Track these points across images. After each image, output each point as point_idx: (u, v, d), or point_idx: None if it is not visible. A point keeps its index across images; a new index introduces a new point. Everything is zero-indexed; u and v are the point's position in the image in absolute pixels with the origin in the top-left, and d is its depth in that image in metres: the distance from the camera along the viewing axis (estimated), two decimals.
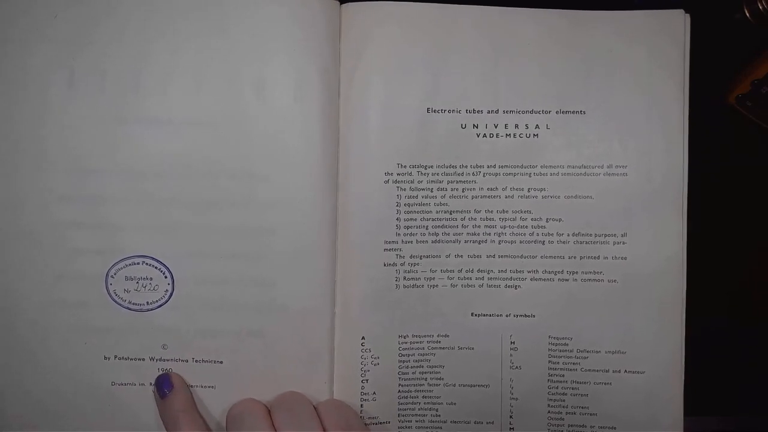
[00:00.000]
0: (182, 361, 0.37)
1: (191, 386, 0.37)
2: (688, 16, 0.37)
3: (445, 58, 0.37)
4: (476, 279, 0.38)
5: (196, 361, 0.37)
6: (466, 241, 0.38)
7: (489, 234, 0.38)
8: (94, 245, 0.36)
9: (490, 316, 0.38)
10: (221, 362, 0.37)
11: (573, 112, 0.37)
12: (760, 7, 0.39)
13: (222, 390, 0.37)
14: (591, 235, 0.37)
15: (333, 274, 0.37)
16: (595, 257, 0.38)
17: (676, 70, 0.37)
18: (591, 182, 0.37)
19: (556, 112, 0.37)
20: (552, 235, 0.38)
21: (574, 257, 0.38)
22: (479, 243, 0.38)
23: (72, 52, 0.35)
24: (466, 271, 0.38)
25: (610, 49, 0.37)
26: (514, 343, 0.38)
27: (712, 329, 0.40)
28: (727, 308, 0.41)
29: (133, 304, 0.36)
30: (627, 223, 0.37)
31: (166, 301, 0.36)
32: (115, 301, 0.36)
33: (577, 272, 0.38)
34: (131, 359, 0.36)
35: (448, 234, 0.38)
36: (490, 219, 0.38)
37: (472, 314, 0.38)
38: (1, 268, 0.35)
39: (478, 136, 0.37)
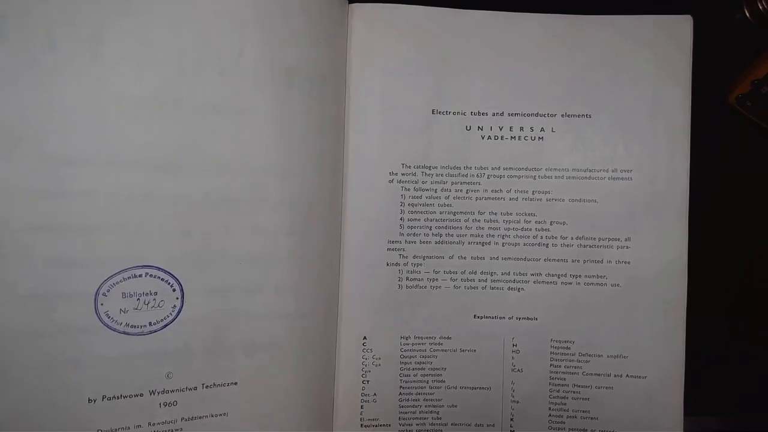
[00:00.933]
0: (190, 389, 0.31)
1: (200, 417, 0.32)
2: (690, 20, 0.37)
3: (451, 60, 0.37)
4: (479, 281, 0.38)
5: (207, 386, 0.32)
6: (469, 243, 0.38)
7: (493, 236, 0.38)
8: (78, 255, 0.29)
9: (492, 318, 0.38)
10: (236, 383, 0.32)
11: (578, 115, 0.37)
12: (760, 8, 0.38)
13: (235, 417, 0.33)
14: (595, 239, 0.38)
15: (338, 274, 0.37)
16: (598, 261, 0.38)
17: (681, 74, 0.37)
18: (595, 186, 0.37)
19: (562, 116, 0.38)
20: (556, 238, 0.38)
21: (578, 261, 0.38)
22: (483, 245, 0.38)
23: (55, 25, 0.28)
24: (470, 273, 0.38)
25: (616, 54, 0.37)
26: (516, 345, 0.38)
27: (713, 330, 0.40)
28: (727, 309, 0.41)
29: (131, 326, 0.30)
30: (631, 227, 0.37)
31: (174, 319, 0.31)
32: (107, 325, 0.30)
33: (580, 276, 0.38)
34: (125, 397, 0.30)
35: (452, 235, 0.38)
36: (494, 221, 0.38)
37: (474, 316, 0.38)
38: None
39: (482, 138, 0.38)
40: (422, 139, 0.37)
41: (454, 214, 0.38)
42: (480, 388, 0.39)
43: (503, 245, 0.38)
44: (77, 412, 0.29)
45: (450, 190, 0.38)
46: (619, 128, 0.37)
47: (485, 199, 0.38)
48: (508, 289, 0.38)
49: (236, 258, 0.32)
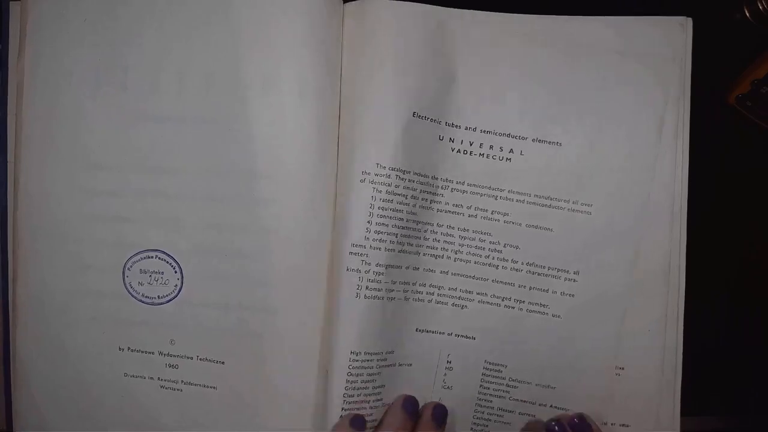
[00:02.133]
0: (188, 358, 0.38)
1: (196, 384, 0.38)
2: (689, 22, 0.37)
3: (436, 63, 0.36)
4: (427, 293, 0.38)
5: (201, 359, 0.37)
6: (424, 254, 0.37)
7: (446, 250, 0.38)
8: (114, 238, 0.37)
9: (432, 333, 0.38)
10: (222, 363, 0.37)
11: (549, 142, 0.37)
12: (760, 7, 0.38)
13: (222, 392, 0.37)
14: (544, 267, 0.38)
15: (324, 272, 0.37)
16: (544, 290, 0.38)
17: (676, 87, 0.36)
18: (554, 215, 0.38)
19: (533, 140, 0.37)
20: (507, 261, 0.38)
21: (524, 286, 0.38)
22: (436, 258, 0.38)
23: (97, 55, 0.36)
24: (420, 285, 0.38)
25: (607, 73, 0.37)
26: (450, 362, 0.38)
27: (712, 328, 0.40)
28: (726, 309, 0.41)
29: (146, 297, 0.37)
30: (581, 261, 0.38)
31: (175, 296, 0.37)
32: (131, 294, 0.37)
33: (524, 302, 0.38)
34: (142, 352, 0.38)
35: (411, 245, 0.37)
36: (450, 235, 0.37)
37: (416, 329, 0.38)
38: (34, 258, 0.37)
39: (452, 150, 0.37)
40: (399, 140, 0.36)
41: (416, 224, 0.37)
42: None
43: (455, 260, 0.38)
44: (112, 357, 0.38)
45: (418, 198, 0.37)
46: (588, 161, 0.37)
47: (445, 212, 0.37)
48: (453, 305, 0.38)
49: (228, 251, 0.37)
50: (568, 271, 0.37)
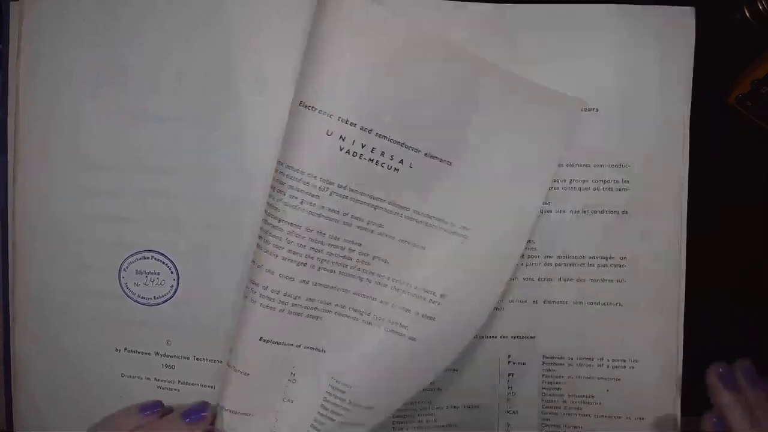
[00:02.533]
0: (184, 358, 0.38)
1: (193, 384, 0.38)
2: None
3: (345, 55, 0.32)
4: (280, 302, 0.34)
5: (198, 359, 0.38)
6: (284, 258, 0.33)
7: (311, 258, 0.34)
8: (114, 238, 0.37)
9: (278, 344, 0.35)
10: (220, 362, 0.37)
11: (440, 159, 0.35)
12: (760, 7, 0.38)
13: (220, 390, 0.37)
14: (410, 285, 0.35)
15: None
16: (406, 310, 0.35)
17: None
18: (429, 234, 0.35)
19: (425, 154, 0.34)
20: (373, 274, 0.35)
21: (387, 303, 0.35)
22: (298, 265, 0.34)
23: (97, 55, 0.36)
24: (272, 291, 0.34)
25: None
26: (294, 374, 0.35)
27: (712, 328, 0.40)
28: (726, 309, 0.40)
29: (142, 297, 0.38)
30: (448, 285, 0.35)
31: (171, 297, 0.37)
32: (127, 294, 0.37)
33: (383, 319, 0.35)
34: (139, 353, 0.38)
35: (268, 243, 0.33)
36: (318, 242, 0.34)
37: (260, 339, 0.34)
38: (33, 258, 0.37)
39: (341, 149, 0.33)
40: (286, 132, 0.34)
41: (279, 221, 0.33)
42: (244, 414, 0.35)
43: (318, 269, 0.34)
44: (109, 358, 0.38)
45: (284, 193, 0.33)
46: (473, 186, 0.35)
47: (318, 215, 0.33)
48: (307, 316, 0.35)
49: (225, 251, 0.37)
50: (433, 293, 0.35)
